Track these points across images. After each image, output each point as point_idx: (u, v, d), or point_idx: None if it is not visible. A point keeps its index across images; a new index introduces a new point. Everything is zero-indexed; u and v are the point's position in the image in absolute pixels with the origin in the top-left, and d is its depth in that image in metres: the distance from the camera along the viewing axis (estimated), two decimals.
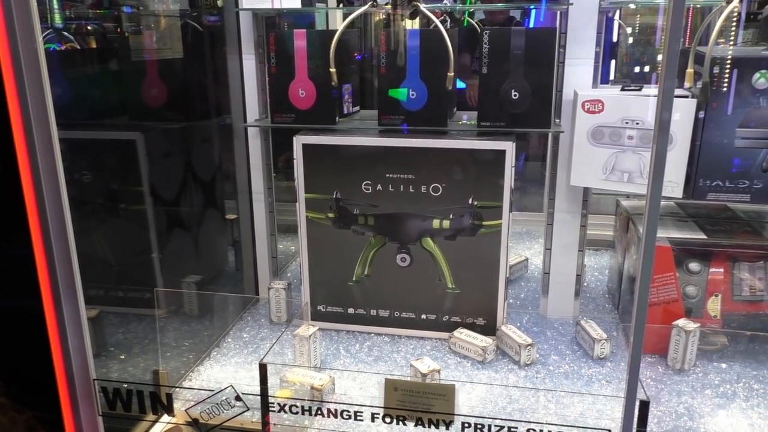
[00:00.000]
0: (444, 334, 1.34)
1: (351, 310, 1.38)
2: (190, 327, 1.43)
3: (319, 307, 1.40)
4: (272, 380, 1.19)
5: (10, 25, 0.75)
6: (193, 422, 0.97)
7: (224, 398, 0.98)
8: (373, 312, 1.37)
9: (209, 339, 1.38)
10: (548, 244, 1.41)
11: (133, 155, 1.35)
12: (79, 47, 1.46)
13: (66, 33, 1.42)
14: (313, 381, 1.13)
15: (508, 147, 1.20)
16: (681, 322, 1.21)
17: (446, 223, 1.28)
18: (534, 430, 0.83)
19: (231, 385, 0.98)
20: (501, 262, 1.28)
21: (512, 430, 0.81)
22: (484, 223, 1.26)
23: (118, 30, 1.48)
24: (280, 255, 1.63)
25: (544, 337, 1.36)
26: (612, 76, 1.78)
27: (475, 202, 1.25)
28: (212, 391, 0.99)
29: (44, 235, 0.82)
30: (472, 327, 1.32)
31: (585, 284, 1.60)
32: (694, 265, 1.24)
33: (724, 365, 1.23)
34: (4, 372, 0.88)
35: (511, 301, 1.51)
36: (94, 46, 1.52)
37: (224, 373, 1.25)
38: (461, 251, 1.29)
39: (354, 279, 1.36)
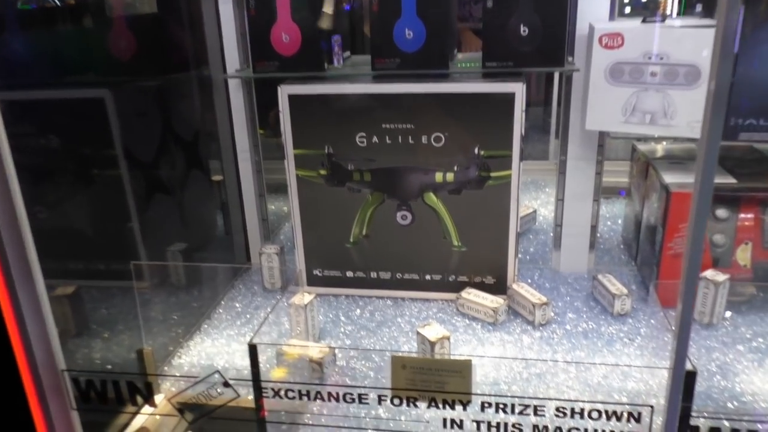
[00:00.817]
0: (451, 295, 1.24)
1: (350, 274, 1.28)
2: (177, 299, 1.33)
3: (316, 272, 1.30)
4: (268, 354, 1.10)
5: None
6: (179, 412, 0.87)
7: (211, 386, 0.88)
8: (373, 275, 1.27)
9: (199, 311, 1.28)
10: (560, 194, 1.30)
11: (102, 115, 1.22)
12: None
13: None
14: (312, 353, 1.04)
15: (518, 89, 1.08)
16: (709, 273, 1.11)
17: (450, 176, 1.17)
18: (564, 408, 0.73)
19: (218, 371, 0.88)
20: (511, 215, 1.17)
21: (539, 409, 0.72)
22: (492, 174, 1.15)
23: None
24: (271, 217, 1.52)
25: (558, 294, 1.26)
26: (628, 9, 1.63)
27: (482, 152, 1.14)
28: (197, 378, 0.89)
29: None
30: (481, 286, 1.23)
31: (598, 235, 1.49)
32: (721, 212, 1.14)
33: (754, 317, 1.14)
34: None
35: (520, 256, 1.40)
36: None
37: (215, 347, 1.16)
38: (467, 206, 1.18)
39: (351, 240, 1.25)
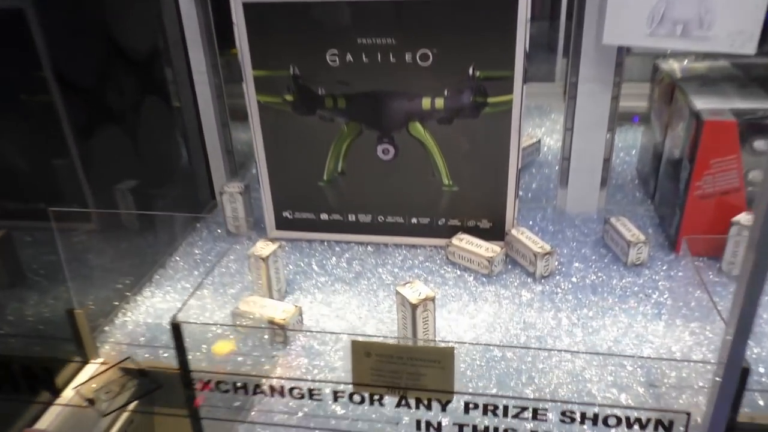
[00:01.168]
0: (440, 241, 1.08)
1: (324, 216, 1.11)
2: (129, 244, 1.17)
3: (285, 214, 1.13)
4: (219, 314, 0.95)
5: None
6: (89, 403, 0.73)
7: (123, 375, 0.73)
8: (351, 217, 1.10)
9: (153, 258, 1.12)
10: (569, 122, 1.11)
11: (23, 28, 1.02)
12: None
13: None
14: (274, 313, 0.88)
15: None
16: (742, 217, 0.94)
17: (440, 102, 0.98)
18: (571, 412, 0.58)
19: (129, 357, 0.72)
20: (511, 149, 0.99)
21: (540, 413, 0.56)
22: (490, 99, 0.96)
23: None
24: (241, 145, 1.32)
25: (563, 239, 1.10)
26: None
27: (478, 73, 0.94)
28: (108, 364, 0.73)
29: None
30: (474, 231, 1.06)
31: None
32: (760, 144, 0.96)
33: None
34: None
35: (521, 194, 1.23)
36: None
37: (166, 302, 1.00)
38: (460, 138, 1.00)
39: (325, 178, 1.08)
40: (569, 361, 0.83)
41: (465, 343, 0.82)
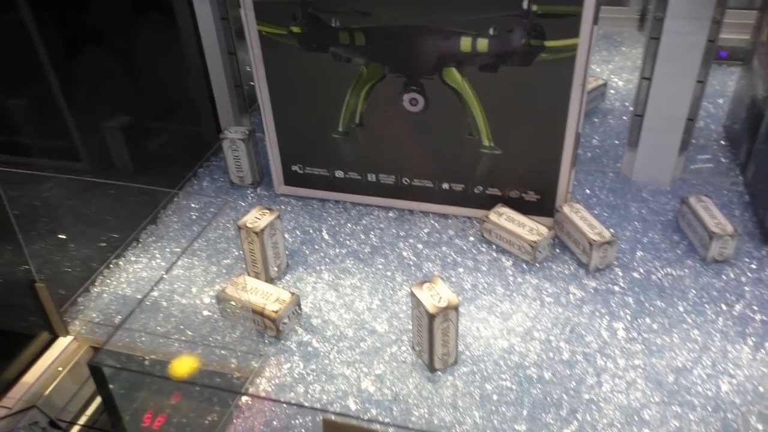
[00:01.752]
0: (476, 212, 0.90)
1: (339, 174, 0.94)
2: (120, 192, 1.02)
3: (295, 168, 0.96)
4: (210, 292, 0.81)
5: None
6: None
7: (32, 424, 0.59)
8: (371, 177, 0.92)
9: (144, 211, 0.98)
10: (647, 70, 0.88)
11: None
12: None
13: None
14: (265, 303, 0.73)
15: None
16: None
17: (483, 44, 0.76)
18: None
19: (35, 406, 0.59)
20: (571, 106, 0.78)
21: None
22: (548, 43, 0.74)
23: None
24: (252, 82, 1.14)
25: (626, 215, 0.90)
26: None
27: (534, 7, 0.72)
28: (10, 409, 0.60)
29: None
30: (518, 204, 0.87)
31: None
32: None
33: None
34: None
35: (579, 153, 1.03)
36: None
37: (149, 270, 0.87)
38: (506, 90, 0.79)
39: (340, 129, 0.89)
40: (623, 393, 0.66)
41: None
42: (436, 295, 0.66)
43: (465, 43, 0.77)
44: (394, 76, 0.82)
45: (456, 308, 0.65)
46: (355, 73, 0.84)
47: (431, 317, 0.64)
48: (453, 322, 0.66)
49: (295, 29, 0.82)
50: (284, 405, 0.65)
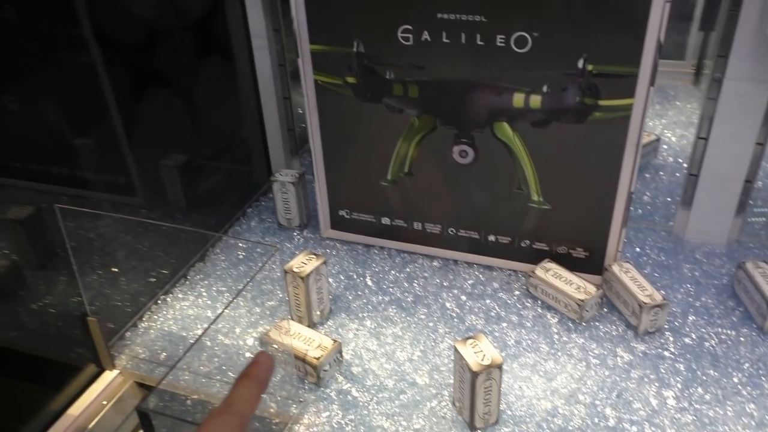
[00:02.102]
0: (522, 267, 0.89)
1: (386, 220, 0.94)
2: (171, 228, 1.05)
3: (342, 213, 0.97)
4: (253, 333, 0.81)
5: None
6: None
7: None
8: (417, 225, 0.93)
9: (194, 248, 1.00)
10: (704, 130, 0.87)
11: None
12: None
13: None
14: (307, 349, 0.74)
15: None
16: None
17: (536, 100, 0.77)
18: None
19: None
20: (624, 165, 0.77)
21: None
22: (602, 102, 0.74)
23: None
24: (304, 124, 1.16)
25: (678, 276, 0.88)
26: None
27: (590, 66, 0.72)
28: None
29: None
30: (565, 260, 0.86)
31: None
32: None
33: None
34: None
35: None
36: None
37: (195, 308, 0.88)
38: (558, 146, 0.79)
39: (389, 177, 0.90)
40: None
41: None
42: (480, 353, 0.65)
43: (518, 99, 0.77)
44: (445, 128, 0.83)
45: (500, 367, 0.64)
46: (407, 123, 0.85)
47: (474, 375, 0.63)
48: (496, 381, 0.65)
49: (350, 80, 0.84)
50: None
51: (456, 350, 0.66)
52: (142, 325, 0.86)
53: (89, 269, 0.92)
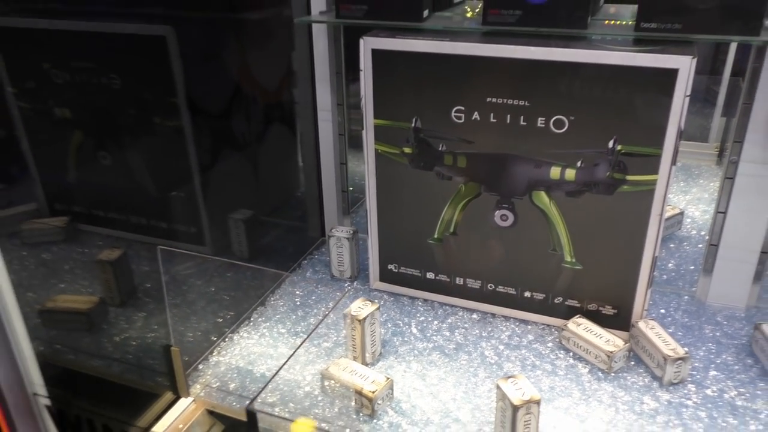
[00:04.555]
0: (555, 321, 0.98)
1: (431, 275, 1.05)
2: (234, 275, 1.17)
3: (390, 267, 1.07)
4: (311, 369, 0.91)
5: None
6: None
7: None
8: (459, 281, 1.03)
9: (255, 293, 1.11)
10: (722, 205, 0.97)
11: (163, 55, 1.05)
12: None
13: None
14: (363, 384, 0.83)
15: (684, 64, 0.76)
16: None
17: (571, 174, 0.88)
18: None
19: None
20: (649, 233, 0.87)
21: None
22: (629, 177, 0.85)
23: None
24: (359, 181, 1.29)
25: (700, 336, 0.96)
26: None
27: (619, 147, 0.84)
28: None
29: None
30: (595, 317, 0.95)
31: None
32: None
33: None
34: None
35: (654, 275, 1.10)
36: None
37: (260, 346, 0.98)
38: (589, 214, 0.90)
39: (436, 236, 1.01)
40: None
41: None
42: (519, 390, 0.74)
43: (554, 172, 0.89)
44: (489, 194, 0.94)
45: (538, 403, 0.73)
46: (455, 189, 0.96)
47: (515, 408, 0.72)
48: (534, 416, 0.73)
49: (407, 150, 0.96)
50: None
51: (498, 387, 0.75)
52: (213, 359, 0.97)
53: (164, 308, 1.04)
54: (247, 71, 1.20)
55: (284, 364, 0.86)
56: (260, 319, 1.05)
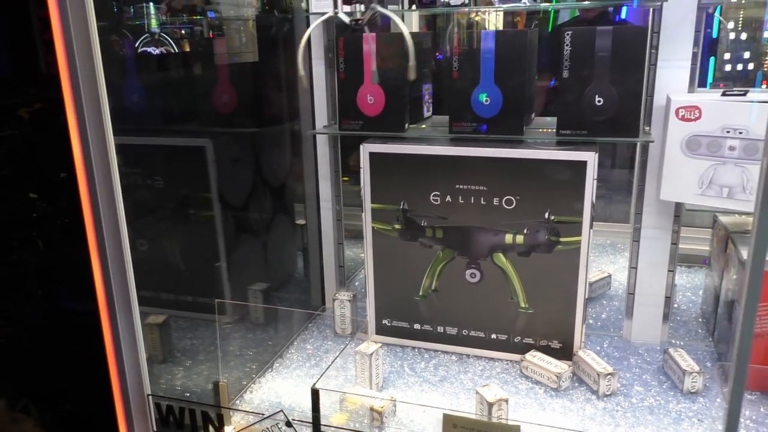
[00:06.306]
0: (515, 356, 1.25)
1: (417, 326, 1.32)
2: (254, 336, 1.41)
3: (384, 321, 1.34)
4: (331, 398, 1.15)
5: (66, 34, 0.74)
6: None
7: (275, 423, 0.94)
8: (440, 329, 1.30)
9: (273, 349, 1.36)
10: (633, 262, 1.29)
11: (202, 161, 1.35)
12: (174, 50, 1.42)
13: (164, 36, 1.38)
14: (374, 402, 1.08)
15: (590, 158, 1.10)
16: None
17: (520, 239, 1.19)
18: None
19: (281, 410, 0.94)
20: (579, 281, 1.18)
21: None
22: (562, 239, 1.17)
23: (195, 36, 1.48)
24: (349, 262, 1.59)
25: (626, 365, 1.24)
26: (711, 78, 1.62)
27: (552, 217, 1.16)
28: (263, 415, 0.95)
29: (99, 242, 0.81)
30: (546, 350, 1.23)
31: (675, 305, 1.46)
32: None
33: None
34: (60, 385, 0.88)
35: (590, 321, 1.40)
36: (177, 50, 1.50)
37: (284, 387, 1.22)
38: (536, 268, 1.20)
39: (420, 294, 1.29)
40: None
41: (526, 422, 0.97)
42: (492, 392, 1.00)
43: (508, 238, 1.20)
44: (461, 258, 1.24)
45: (506, 401, 0.99)
46: (434, 255, 1.26)
47: (490, 405, 0.98)
48: (504, 412, 0.99)
49: (397, 226, 1.26)
50: None
51: (477, 392, 1.01)
52: (245, 397, 1.20)
53: (198, 362, 1.28)
54: (265, 172, 1.51)
55: (323, 374, 1.09)
56: (281, 368, 1.29)
